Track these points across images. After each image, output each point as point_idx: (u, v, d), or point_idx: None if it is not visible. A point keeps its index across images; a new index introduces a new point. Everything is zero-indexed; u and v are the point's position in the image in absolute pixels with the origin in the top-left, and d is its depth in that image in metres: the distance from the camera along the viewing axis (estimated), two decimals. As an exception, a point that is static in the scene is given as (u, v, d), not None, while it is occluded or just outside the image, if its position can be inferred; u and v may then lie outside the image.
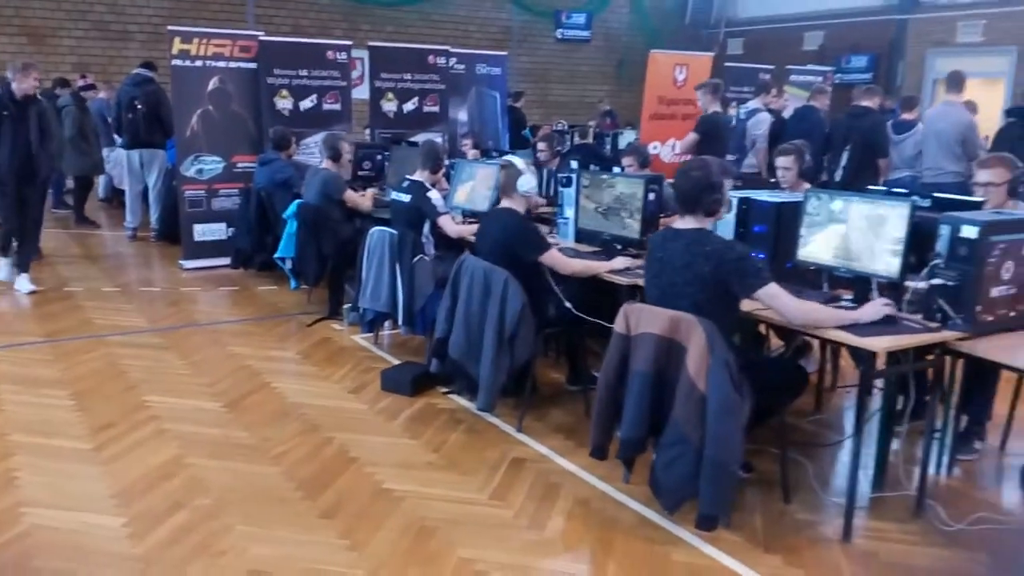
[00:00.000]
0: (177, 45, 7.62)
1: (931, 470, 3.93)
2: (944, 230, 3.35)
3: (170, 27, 7.98)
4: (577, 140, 13.65)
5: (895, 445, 4.10)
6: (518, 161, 4.55)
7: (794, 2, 17.27)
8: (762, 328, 4.78)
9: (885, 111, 8.56)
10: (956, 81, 7.73)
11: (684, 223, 3.43)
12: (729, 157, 8.70)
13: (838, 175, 8.05)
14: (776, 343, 5.30)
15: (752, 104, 8.89)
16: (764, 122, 8.45)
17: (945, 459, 4.00)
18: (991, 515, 3.52)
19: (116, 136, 9.67)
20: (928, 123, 7.68)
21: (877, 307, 3.39)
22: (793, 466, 3.89)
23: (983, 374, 4.02)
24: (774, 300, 3.29)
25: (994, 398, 4.17)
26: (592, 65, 18.55)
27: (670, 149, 8.52)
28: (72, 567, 3.04)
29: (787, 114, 9.16)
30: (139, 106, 8.77)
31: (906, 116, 8.34)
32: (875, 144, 7.82)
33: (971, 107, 8.44)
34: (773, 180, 5.26)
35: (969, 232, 3.27)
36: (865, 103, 8.04)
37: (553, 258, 4.40)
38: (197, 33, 7.87)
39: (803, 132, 8.11)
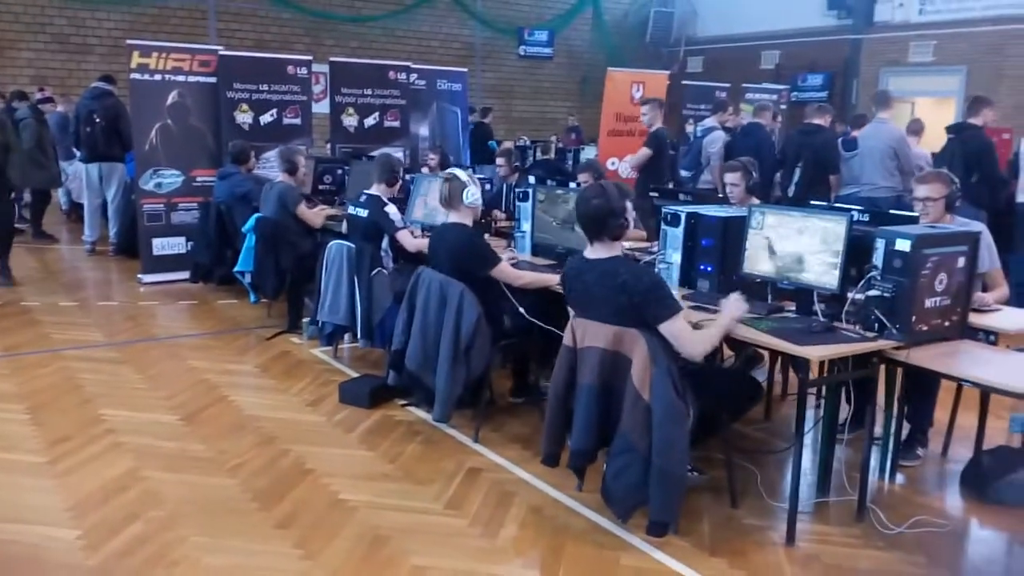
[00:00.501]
0: (136, 59, 7.61)
1: (875, 476, 4.08)
2: (880, 243, 3.48)
3: (129, 41, 7.98)
4: (539, 155, 13.86)
5: (842, 452, 4.23)
6: (461, 173, 4.60)
7: (752, 21, 17.62)
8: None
9: (837, 133, 8.79)
10: (883, 99, 7.99)
11: (594, 252, 3.46)
12: (684, 173, 8.91)
13: (791, 191, 8.26)
14: (729, 353, 5.43)
15: (708, 122, 9.08)
16: (718, 140, 8.63)
17: (888, 465, 4.13)
18: (930, 519, 3.65)
19: (75, 150, 9.61)
20: (862, 141, 7.92)
21: (733, 305, 3.52)
22: (742, 473, 4.00)
23: (924, 383, 4.16)
24: (678, 334, 3.30)
25: (935, 406, 4.32)
26: (554, 81, 18.76)
27: (627, 165, 8.67)
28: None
29: (739, 132, 9.37)
30: (98, 119, 8.74)
31: (856, 134, 8.55)
32: (826, 161, 8.04)
33: (918, 124, 8.71)
34: (721, 196, 5.40)
35: (903, 245, 3.41)
36: (816, 121, 8.25)
37: (503, 271, 4.48)
38: (156, 47, 7.88)
39: (750, 147, 8.32)
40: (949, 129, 7.36)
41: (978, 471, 3.94)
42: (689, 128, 10.73)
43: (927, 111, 13.67)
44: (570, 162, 13.30)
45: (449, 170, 4.74)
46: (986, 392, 3.92)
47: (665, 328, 3.27)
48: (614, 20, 19.10)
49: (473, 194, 4.50)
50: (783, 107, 12.69)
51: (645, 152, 7.93)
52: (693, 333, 3.36)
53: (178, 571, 3.12)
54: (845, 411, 4.54)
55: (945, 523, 3.64)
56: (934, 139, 9.01)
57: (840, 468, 4.10)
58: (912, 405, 4.26)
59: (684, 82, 12.62)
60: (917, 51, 15.62)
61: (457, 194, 4.48)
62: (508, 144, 11.19)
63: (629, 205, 3.55)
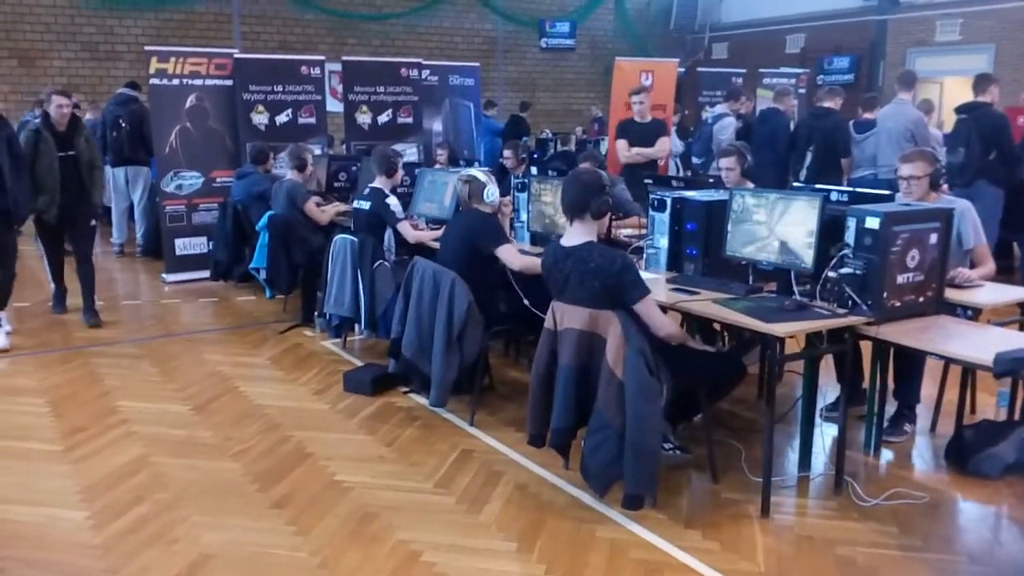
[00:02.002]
0: (154, 65, 7.87)
1: (861, 452, 4.16)
2: (851, 222, 3.56)
3: (147, 47, 8.25)
4: (560, 147, 13.96)
5: (832, 430, 4.30)
6: (479, 174, 4.77)
7: (776, 5, 17.53)
8: (716, 325, 4.97)
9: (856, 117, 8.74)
10: (905, 80, 7.94)
11: (571, 237, 3.58)
12: (696, 160, 8.95)
13: (802, 175, 8.27)
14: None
15: (719, 109, 9.12)
16: (729, 126, 8.66)
17: (873, 441, 4.19)
18: (908, 491, 3.72)
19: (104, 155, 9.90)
20: (880, 122, 7.89)
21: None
22: (727, 450, 4.11)
23: (909, 360, 4.22)
24: (649, 310, 3.51)
25: (920, 382, 4.37)
26: (577, 73, 18.81)
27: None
28: (36, 555, 3.27)
29: (758, 117, 9.37)
30: (123, 124, 9.03)
31: (867, 116, 8.54)
32: (836, 144, 8.04)
33: (927, 105, 8.66)
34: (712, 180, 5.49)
35: (872, 223, 3.48)
36: (827, 104, 8.24)
37: (508, 252, 4.61)
38: (174, 52, 8.13)
39: (768, 133, 8.36)
40: (959, 109, 7.32)
41: (960, 445, 3.99)
42: (705, 114, 10.74)
43: (956, 91, 13.49)
44: (592, 152, 13.38)
45: (467, 172, 4.88)
46: (967, 368, 3.99)
47: (639, 308, 3.45)
48: (636, 8, 19.08)
49: (492, 192, 4.71)
50: (802, 91, 12.63)
51: (667, 141, 7.79)
52: (660, 313, 3.55)
53: (177, 547, 3.31)
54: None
55: (922, 495, 3.70)
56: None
57: (828, 444, 4.20)
58: (898, 382, 4.32)
59: (699, 69, 12.62)
60: (944, 30, 15.44)
61: (477, 193, 4.70)
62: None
63: (615, 193, 3.70)
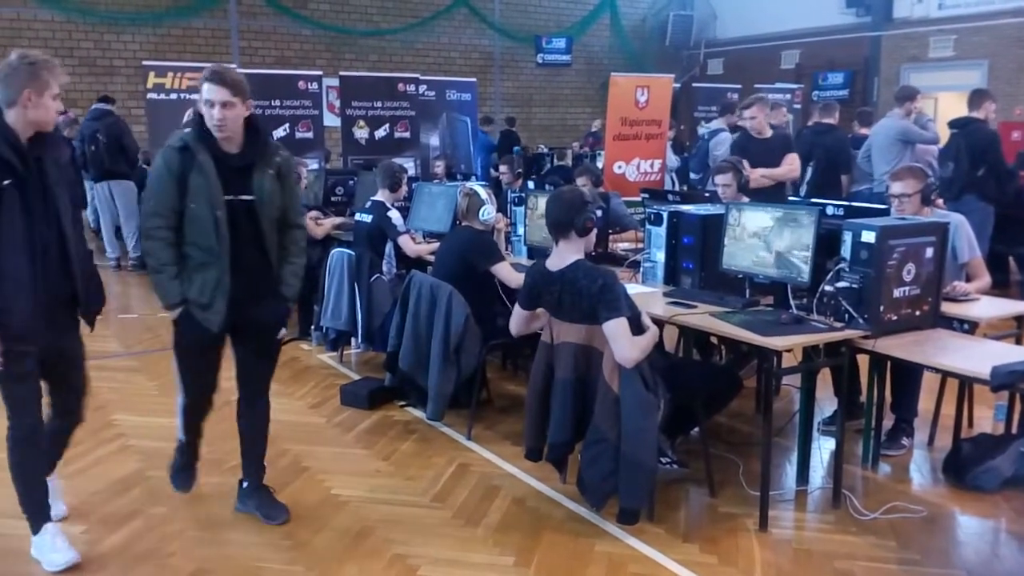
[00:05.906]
0: (151, 79, 7.92)
1: (859, 466, 4.15)
2: (847, 236, 3.58)
3: (144, 62, 8.28)
4: (556, 162, 14.01)
5: (830, 443, 4.30)
6: (481, 190, 4.79)
7: (771, 21, 17.64)
8: (713, 339, 4.97)
9: (856, 134, 8.74)
10: (897, 95, 7.94)
11: (557, 259, 3.51)
12: (693, 176, 8.98)
13: (803, 190, 8.28)
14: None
15: (714, 124, 9.14)
16: (725, 142, 8.65)
17: (871, 454, 4.19)
18: (906, 505, 3.72)
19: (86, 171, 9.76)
20: (872, 137, 7.93)
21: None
22: (724, 464, 4.10)
23: (905, 373, 4.22)
24: (616, 333, 3.30)
25: (918, 396, 4.37)
26: (574, 88, 18.89)
27: (635, 168, 8.75)
28: (30, 569, 3.25)
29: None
30: (101, 138, 8.92)
31: (864, 131, 8.57)
32: (838, 160, 8.03)
33: (922, 120, 8.68)
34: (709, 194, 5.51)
35: (868, 237, 3.49)
36: (827, 120, 8.24)
37: (503, 269, 4.63)
38: (171, 67, 8.17)
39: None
40: (952, 124, 7.36)
41: (957, 458, 3.99)
42: (701, 130, 10.78)
43: (950, 106, 13.57)
44: (588, 167, 13.47)
45: (471, 186, 4.91)
46: (963, 381, 4.00)
47: (607, 327, 3.31)
48: (632, 25, 19.19)
49: (489, 212, 4.73)
50: (797, 106, 12.70)
51: (796, 158, 6.96)
52: (630, 339, 3.33)
53: (172, 561, 3.30)
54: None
55: (920, 509, 3.70)
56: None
57: (826, 458, 4.20)
58: (895, 396, 4.32)
59: (695, 84, 12.68)
60: (937, 46, 15.55)
61: (475, 210, 4.72)
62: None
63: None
